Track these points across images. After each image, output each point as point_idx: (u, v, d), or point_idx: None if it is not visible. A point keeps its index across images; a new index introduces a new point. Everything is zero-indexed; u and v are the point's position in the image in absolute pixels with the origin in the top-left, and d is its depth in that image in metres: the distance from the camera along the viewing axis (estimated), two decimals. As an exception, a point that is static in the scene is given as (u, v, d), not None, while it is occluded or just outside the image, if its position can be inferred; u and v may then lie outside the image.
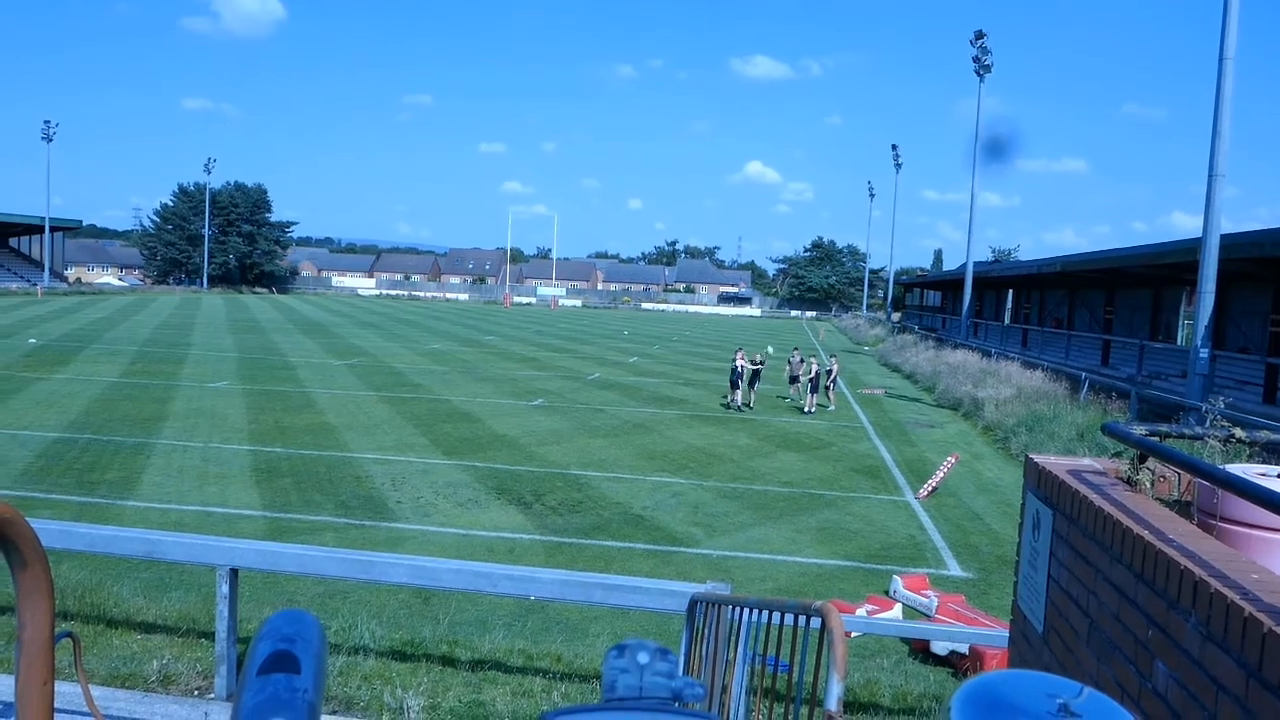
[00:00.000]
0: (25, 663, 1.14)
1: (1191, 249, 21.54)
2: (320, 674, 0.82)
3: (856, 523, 13.81)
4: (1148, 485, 3.11)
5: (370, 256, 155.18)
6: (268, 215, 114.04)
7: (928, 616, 9.57)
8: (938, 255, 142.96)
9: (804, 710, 2.62)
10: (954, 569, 11.83)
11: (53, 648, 1.16)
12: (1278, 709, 1.74)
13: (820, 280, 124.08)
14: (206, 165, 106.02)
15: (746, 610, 3.35)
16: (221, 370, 28.60)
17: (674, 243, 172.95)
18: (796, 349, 29.16)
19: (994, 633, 7.21)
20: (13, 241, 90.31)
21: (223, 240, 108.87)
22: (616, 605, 6.69)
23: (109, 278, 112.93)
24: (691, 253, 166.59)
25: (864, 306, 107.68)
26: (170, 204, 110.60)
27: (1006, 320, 54.82)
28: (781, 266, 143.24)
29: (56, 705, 1.18)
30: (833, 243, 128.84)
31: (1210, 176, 19.44)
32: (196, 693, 6.12)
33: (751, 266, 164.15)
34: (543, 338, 51.99)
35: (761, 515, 13.87)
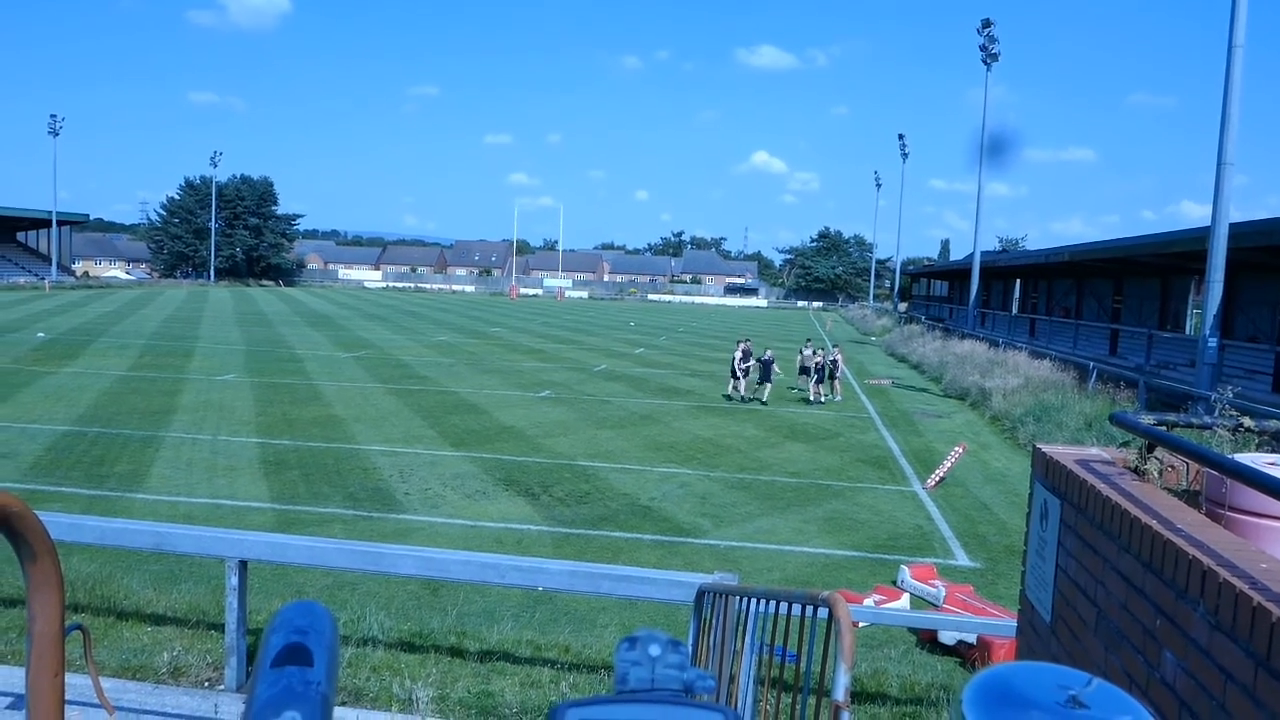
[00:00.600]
0: (36, 655, 1.14)
1: (1200, 238, 21.45)
2: (333, 666, 0.82)
3: (864, 513, 13.81)
4: (1156, 475, 3.10)
5: (376, 249, 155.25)
6: (274, 208, 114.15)
7: (935, 606, 9.57)
8: (945, 245, 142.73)
9: (811, 700, 2.62)
10: (962, 559, 11.83)
11: (63, 640, 1.17)
12: (1287, 698, 1.73)
13: (827, 270, 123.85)
14: (213, 158, 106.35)
15: (753, 600, 3.35)
16: (229, 363, 28.67)
17: (680, 234, 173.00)
18: (809, 340, 29.04)
19: (1002, 623, 7.21)
20: (20, 236, 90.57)
21: (229, 233, 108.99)
22: (624, 596, 6.71)
23: (116, 271, 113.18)
24: (698, 243, 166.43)
25: (871, 297, 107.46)
26: (177, 197, 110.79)
27: (1014, 310, 54.70)
28: (788, 257, 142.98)
29: (68, 697, 1.19)
30: (839, 233, 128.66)
31: (1219, 165, 19.34)
32: (207, 684, 6.15)
33: (758, 257, 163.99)
34: (549, 329, 52.01)
35: (769, 506, 13.88)
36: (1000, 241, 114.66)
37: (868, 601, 8.99)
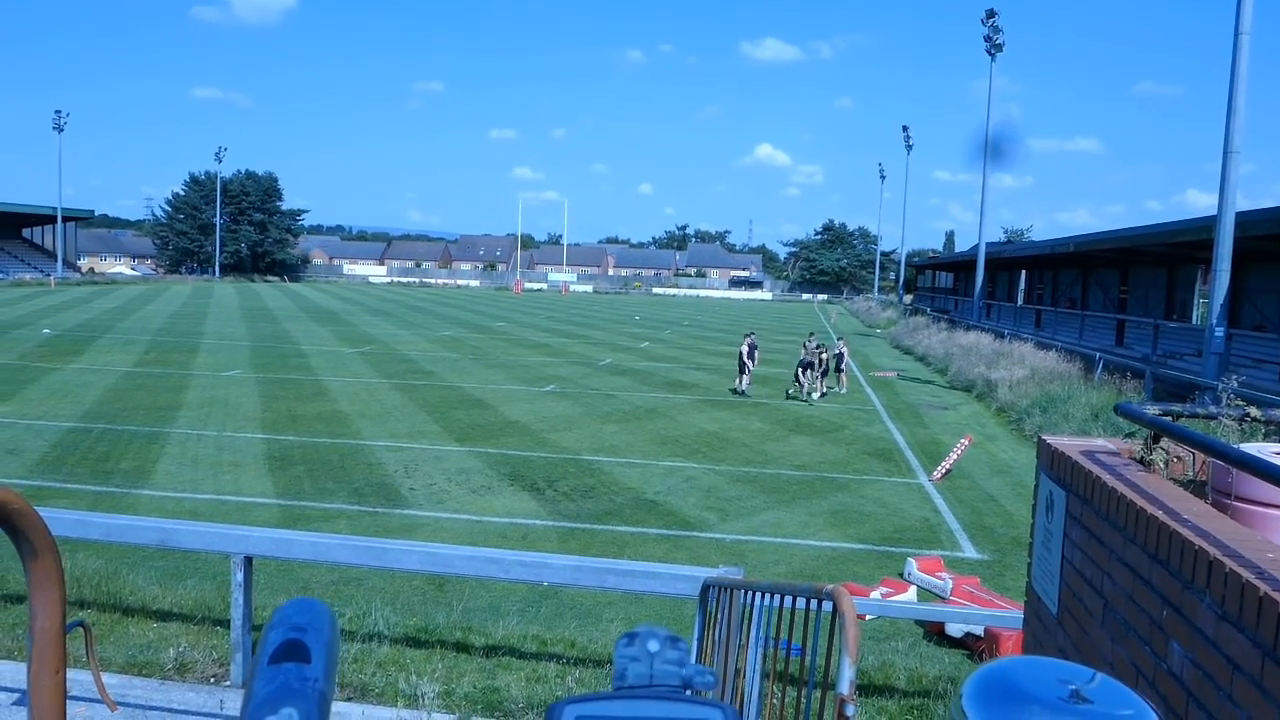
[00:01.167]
0: (37, 652, 1.14)
1: (1206, 227, 21.37)
2: (332, 663, 0.82)
3: (870, 505, 13.80)
4: (1162, 465, 3.09)
5: (381, 244, 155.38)
6: (279, 203, 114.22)
7: (942, 599, 9.56)
8: (949, 237, 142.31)
9: (817, 694, 2.62)
10: (969, 551, 11.82)
11: (64, 637, 1.17)
12: (1294, 690, 1.72)
13: (831, 263, 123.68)
14: (217, 154, 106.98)
15: (758, 594, 3.35)
16: (234, 359, 28.72)
17: (684, 227, 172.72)
18: (812, 334, 28.94)
19: (1009, 615, 7.20)
20: (26, 232, 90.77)
21: (234, 229, 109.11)
22: (630, 590, 6.71)
23: (121, 267, 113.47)
24: (702, 237, 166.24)
25: (875, 289, 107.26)
26: (182, 193, 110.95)
27: (1020, 301, 54.54)
28: (792, 250, 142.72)
29: (71, 693, 1.19)
30: (844, 225, 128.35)
31: (1225, 153, 19.27)
32: (212, 680, 6.17)
33: (762, 250, 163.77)
34: (554, 324, 52.02)
35: (774, 499, 13.87)
36: (1005, 232, 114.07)
37: (874, 594, 8.99)
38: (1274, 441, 3.36)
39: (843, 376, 27.34)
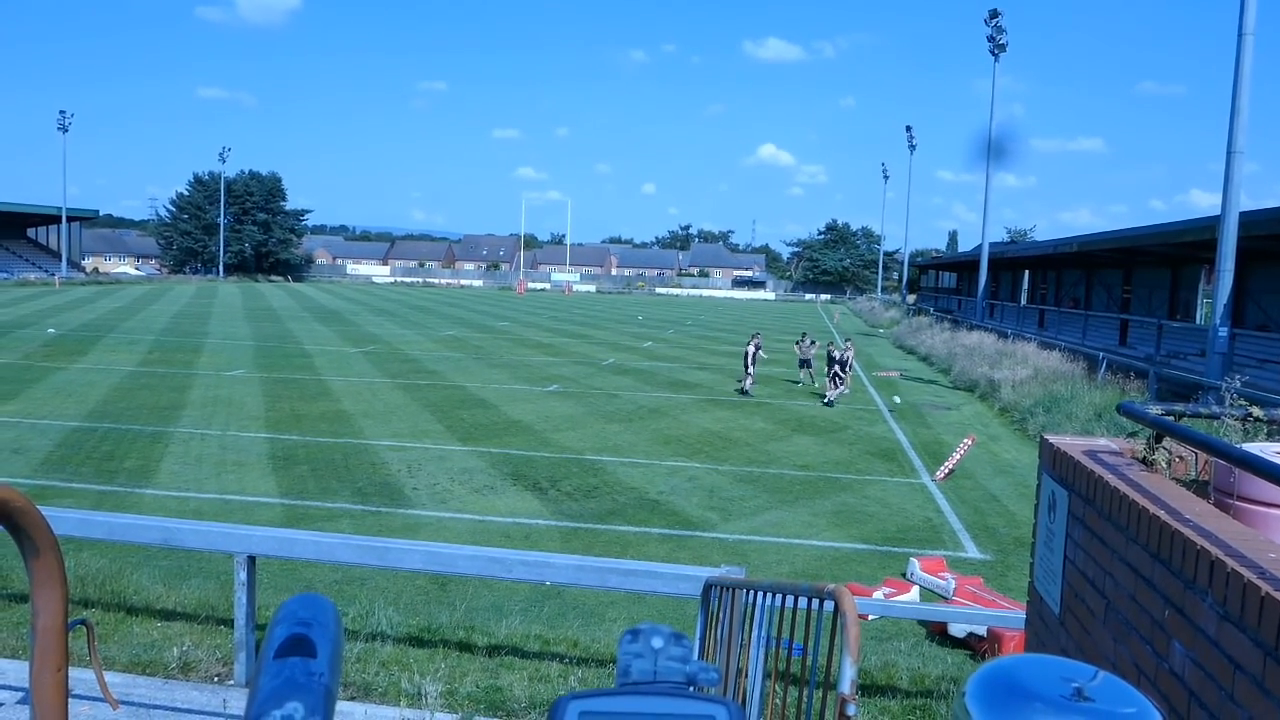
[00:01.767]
0: (39, 650, 1.14)
1: (1210, 226, 21.36)
2: (336, 658, 0.82)
3: (873, 505, 13.79)
4: (1164, 465, 3.09)
5: (385, 244, 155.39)
6: (283, 203, 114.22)
7: (945, 599, 9.56)
8: (953, 236, 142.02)
9: (819, 693, 2.62)
10: (971, 551, 11.81)
11: (66, 635, 1.17)
12: (1296, 689, 1.72)
13: (834, 263, 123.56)
14: (221, 154, 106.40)
15: (760, 594, 3.35)
16: (238, 358, 28.74)
17: (687, 227, 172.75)
18: (805, 333, 28.97)
19: (1011, 615, 7.20)
20: (30, 232, 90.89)
21: (238, 229, 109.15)
22: (632, 590, 6.71)
23: (126, 267, 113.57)
24: (705, 237, 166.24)
25: (879, 289, 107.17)
26: (186, 193, 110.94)
27: (1023, 301, 54.49)
28: (795, 250, 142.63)
29: (73, 691, 1.19)
30: (847, 225, 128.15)
31: (1229, 153, 19.25)
32: (216, 679, 6.18)
33: (765, 250, 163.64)
34: (557, 323, 52.02)
35: (777, 499, 13.87)
36: (1008, 232, 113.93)
37: (877, 594, 8.99)
38: (1277, 441, 3.36)
39: (848, 378, 27.30)
